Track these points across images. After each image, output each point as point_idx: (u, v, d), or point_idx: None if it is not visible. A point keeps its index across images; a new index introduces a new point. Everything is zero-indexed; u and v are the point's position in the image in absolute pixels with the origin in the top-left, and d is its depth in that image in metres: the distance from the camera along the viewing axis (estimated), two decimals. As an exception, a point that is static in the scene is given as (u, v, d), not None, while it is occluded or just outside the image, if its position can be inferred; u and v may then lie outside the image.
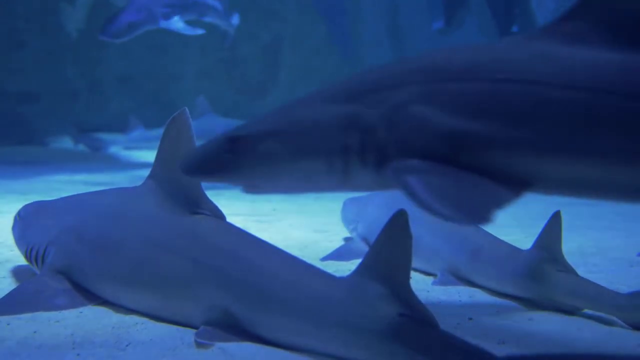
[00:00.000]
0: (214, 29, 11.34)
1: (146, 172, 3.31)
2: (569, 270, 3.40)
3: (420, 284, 3.71)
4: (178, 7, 8.95)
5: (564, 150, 1.91)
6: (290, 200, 6.73)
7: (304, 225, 5.70)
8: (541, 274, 3.37)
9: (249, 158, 2.18)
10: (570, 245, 4.14)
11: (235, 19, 10.98)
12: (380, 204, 4.44)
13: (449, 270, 3.82)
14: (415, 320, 2.40)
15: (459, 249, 3.83)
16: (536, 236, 3.52)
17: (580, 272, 3.46)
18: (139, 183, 3.32)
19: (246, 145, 2.18)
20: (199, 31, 9.41)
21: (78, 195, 3.76)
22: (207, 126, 8.49)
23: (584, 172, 1.93)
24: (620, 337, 2.96)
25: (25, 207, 3.81)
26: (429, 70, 2.05)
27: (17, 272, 3.81)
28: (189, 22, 9.35)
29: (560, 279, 3.32)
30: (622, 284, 3.68)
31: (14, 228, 3.77)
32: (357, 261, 2.69)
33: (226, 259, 2.84)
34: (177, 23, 9.00)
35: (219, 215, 3.09)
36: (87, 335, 2.79)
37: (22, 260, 3.74)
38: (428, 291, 3.61)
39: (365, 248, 4.11)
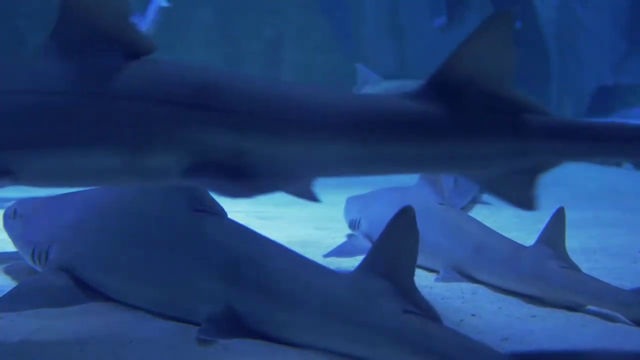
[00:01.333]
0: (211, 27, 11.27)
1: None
2: (572, 266, 3.39)
3: (423, 281, 3.70)
4: None
5: (34, 146, 2.18)
6: (292, 197, 6.71)
7: (306, 222, 5.70)
8: (544, 271, 3.36)
9: None
10: (574, 242, 4.13)
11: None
12: (384, 201, 4.44)
13: (452, 267, 3.82)
14: (419, 317, 2.40)
15: (462, 245, 3.83)
16: (539, 233, 3.52)
17: (584, 268, 3.45)
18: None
19: None
20: None
21: (80, 192, 3.75)
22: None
23: (58, 164, 2.20)
24: (624, 334, 2.96)
25: (21, 204, 3.76)
26: None
27: (18, 269, 3.80)
28: None
29: (564, 276, 3.31)
30: (625, 281, 3.67)
31: (7, 226, 3.71)
32: (360, 258, 2.69)
33: (228, 256, 2.84)
34: None
35: (220, 212, 3.09)
36: (91, 331, 2.80)
37: (21, 257, 3.72)
38: (431, 287, 3.61)
39: (368, 245, 4.11)
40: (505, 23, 2.03)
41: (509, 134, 2.08)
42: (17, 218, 3.66)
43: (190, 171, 2.13)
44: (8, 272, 3.76)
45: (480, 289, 3.64)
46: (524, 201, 2.19)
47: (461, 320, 3.04)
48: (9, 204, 3.83)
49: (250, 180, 2.11)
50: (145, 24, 9.44)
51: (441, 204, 4.11)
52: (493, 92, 2.07)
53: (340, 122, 2.09)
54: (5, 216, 3.76)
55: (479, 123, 2.08)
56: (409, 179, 4.62)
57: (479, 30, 2.03)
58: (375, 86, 10.36)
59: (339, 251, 4.34)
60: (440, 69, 2.10)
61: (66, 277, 3.22)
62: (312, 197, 2.47)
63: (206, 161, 2.12)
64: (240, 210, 5.90)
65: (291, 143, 2.11)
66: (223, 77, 2.25)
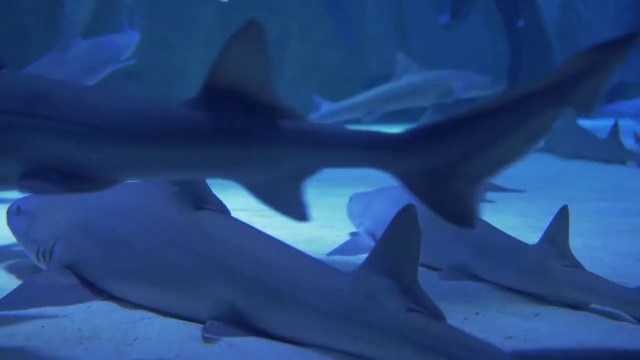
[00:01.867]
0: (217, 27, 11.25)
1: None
2: (576, 265, 3.38)
3: (427, 279, 3.68)
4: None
5: None
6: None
7: (310, 220, 5.68)
8: (548, 269, 3.36)
9: None
10: (577, 240, 4.12)
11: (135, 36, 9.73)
12: (388, 199, 4.44)
13: (456, 265, 3.81)
14: (423, 315, 2.40)
15: (466, 243, 3.82)
16: (543, 231, 3.51)
17: (587, 267, 3.44)
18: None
19: None
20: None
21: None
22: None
23: None
24: (628, 332, 2.95)
25: (25, 201, 3.76)
26: None
27: (23, 267, 3.81)
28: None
29: (568, 274, 3.31)
30: (629, 279, 3.66)
31: (11, 222, 3.72)
32: (364, 256, 2.69)
33: (232, 254, 2.84)
34: None
35: (224, 211, 3.09)
36: (95, 329, 2.80)
37: (26, 256, 3.73)
38: (434, 286, 3.60)
39: (371, 243, 4.11)
40: (256, 30, 2.09)
41: (260, 140, 2.13)
42: (20, 215, 3.66)
43: (25, 176, 2.24)
44: (12, 270, 3.77)
45: (484, 287, 3.63)
46: (293, 210, 2.25)
47: (465, 318, 3.04)
48: (9, 204, 3.83)
49: (75, 183, 2.23)
50: (134, 38, 9.34)
51: (445, 202, 4.10)
52: (252, 98, 2.14)
53: (123, 127, 2.21)
54: (8, 213, 3.76)
55: (232, 129, 2.14)
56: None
57: (233, 37, 2.10)
58: (415, 75, 10.41)
59: (343, 249, 4.34)
60: (207, 75, 2.18)
61: (70, 275, 3.23)
62: None
63: (39, 166, 2.24)
64: (244, 209, 5.89)
65: (93, 147, 2.22)
66: (53, 86, 2.36)
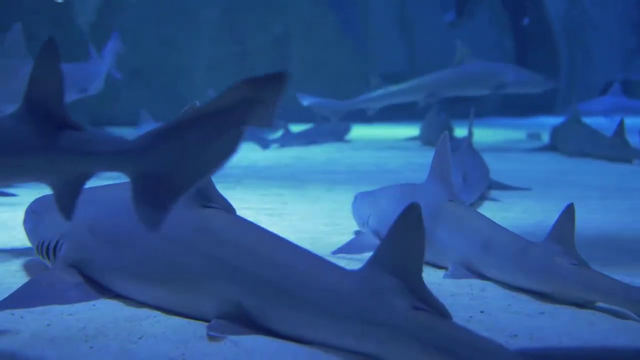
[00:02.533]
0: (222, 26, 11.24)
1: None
2: (581, 263, 3.37)
3: (432, 277, 3.69)
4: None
5: None
6: (301, 194, 6.73)
7: (315, 219, 5.70)
8: (554, 267, 3.35)
9: None
10: (583, 239, 4.11)
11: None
12: (392, 197, 4.44)
13: (461, 263, 3.81)
14: (428, 313, 2.40)
15: (471, 242, 3.82)
16: (549, 229, 3.50)
17: (593, 265, 3.44)
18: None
19: None
20: None
21: (89, 188, 3.75)
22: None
23: None
24: (633, 331, 2.95)
25: (37, 201, 3.82)
26: None
27: (29, 266, 3.83)
28: None
29: (573, 272, 3.30)
30: (635, 278, 3.66)
31: (25, 222, 3.79)
32: (368, 254, 2.69)
33: (237, 252, 2.84)
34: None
35: (229, 209, 3.09)
36: (100, 328, 2.81)
37: (34, 254, 3.75)
38: (439, 284, 3.60)
39: (376, 241, 4.10)
40: (51, 48, 2.32)
41: (43, 147, 2.35)
42: (32, 213, 3.71)
43: None
44: (20, 268, 3.79)
45: (489, 285, 3.63)
46: (65, 209, 2.43)
47: (470, 317, 3.04)
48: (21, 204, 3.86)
49: None
50: (102, 68, 9.36)
51: (450, 200, 4.11)
52: (47, 110, 2.36)
53: None
54: (25, 212, 3.82)
55: (29, 139, 2.36)
56: (417, 176, 4.62)
57: (37, 56, 2.33)
58: (472, 65, 10.68)
59: (347, 248, 4.34)
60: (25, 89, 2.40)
61: (75, 273, 3.24)
62: None
63: None
64: (250, 207, 5.91)
65: None
66: None
